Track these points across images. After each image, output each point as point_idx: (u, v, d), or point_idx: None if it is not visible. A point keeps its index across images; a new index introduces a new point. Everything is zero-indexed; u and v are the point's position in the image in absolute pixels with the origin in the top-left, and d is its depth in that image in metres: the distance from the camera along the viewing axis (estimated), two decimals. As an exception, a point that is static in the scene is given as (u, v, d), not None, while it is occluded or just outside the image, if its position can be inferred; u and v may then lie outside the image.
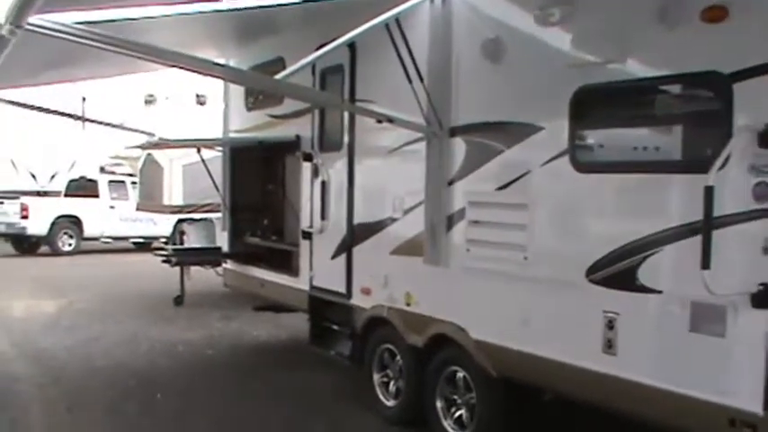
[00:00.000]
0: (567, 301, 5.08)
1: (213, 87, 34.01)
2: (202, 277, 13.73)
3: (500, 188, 5.57)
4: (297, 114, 8.27)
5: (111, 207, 22.17)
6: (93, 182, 22.38)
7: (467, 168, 5.89)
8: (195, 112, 32.22)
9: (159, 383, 8.21)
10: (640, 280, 4.59)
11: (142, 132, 9.73)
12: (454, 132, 6.00)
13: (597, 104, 5.04)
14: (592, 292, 4.86)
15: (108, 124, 9.99)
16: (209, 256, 10.83)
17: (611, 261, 4.74)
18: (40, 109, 9.49)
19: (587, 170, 4.96)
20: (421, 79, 5.98)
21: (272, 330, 11.08)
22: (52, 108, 9.70)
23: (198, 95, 36.50)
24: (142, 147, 10.64)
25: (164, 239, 22.58)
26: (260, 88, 6.23)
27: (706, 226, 3.99)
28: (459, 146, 5.95)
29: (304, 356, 9.07)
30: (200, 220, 13.25)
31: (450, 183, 6.02)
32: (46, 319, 11.94)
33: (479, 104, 5.83)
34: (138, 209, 15.45)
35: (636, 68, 4.69)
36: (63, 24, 4.19)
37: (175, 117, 26.96)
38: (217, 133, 10.38)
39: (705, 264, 3.97)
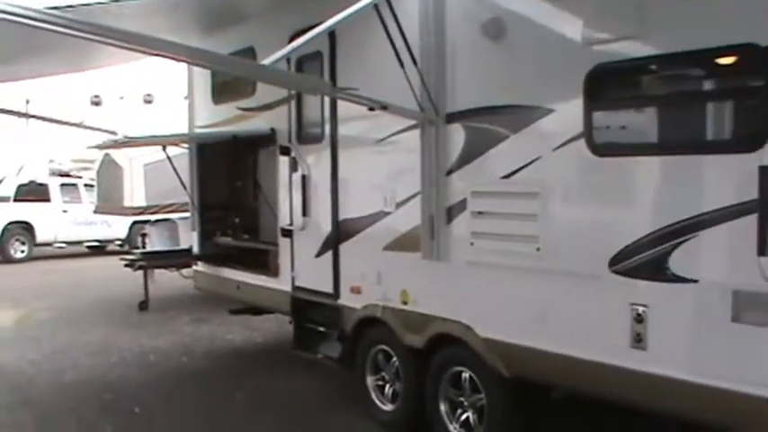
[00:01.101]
0: (587, 294, 4.75)
1: (160, 86, 33.54)
2: (165, 280, 13.24)
3: (506, 176, 5.21)
4: (271, 106, 7.83)
5: (64, 211, 21.38)
6: (44, 185, 21.56)
7: (467, 157, 5.52)
8: (143, 112, 31.54)
9: (135, 397, 7.72)
10: (672, 269, 4.27)
11: (104, 131, 9.16)
12: (451, 119, 5.63)
13: (617, 83, 4.73)
14: (616, 283, 4.53)
15: (68, 123, 9.39)
16: (178, 259, 10.30)
17: (638, 250, 4.42)
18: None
19: (607, 153, 4.62)
20: (414, 63, 5.57)
21: (245, 333, 10.62)
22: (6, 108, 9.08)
23: (146, 95, 35.76)
24: (103, 146, 10.07)
25: (119, 242, 21.98)
26: (251, 78, 5.76)
27: (763, 209, 3.66)
28: (458, 133, 5.58)
29: (283, 360, 8.70)
30: (162, 220, 12.66)
31: (449, 173, 5.65)
32: (5, 332, 11.33)
33: (479, 88, 5.46)
34: (96, 212, 14.76)
35: (662, 43, 4.35)
36: (35, 10, 3.70)
37: (123, 117, 26.25)
38: (166, 131, 9.90)
39: (762, 250, 3.65)
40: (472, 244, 5.48)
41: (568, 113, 4.79)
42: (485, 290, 5.44)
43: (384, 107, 5.45)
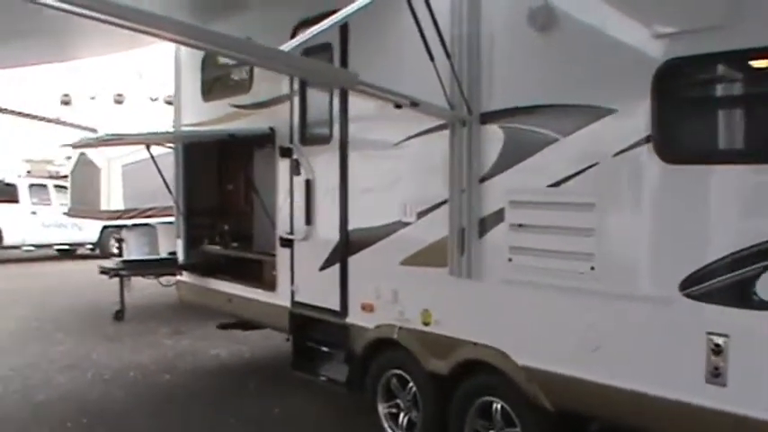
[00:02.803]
0: (653, 320, 4.15)
1: (131, 86, 32.62)
2: (140, 286, 12.49)
3: (554, 185, 4.60)
4: (270, 103, 7.17)
5: (33, 213, 20.44)
6: (12, 186, 20.61)
7: (506, 162, 4.90)
8: (114, 112, 30.61)
9: (116, 421, 7.03)
10: (760, 294, 3.69)
11: (84, 128, 8.42)
12: (486, 119, 5.01)
13: (695, 81, 4.14)
14: (689, 309, 3.95)
15: (45, 119, 8.64)
16: (164, 268, 9.55)
17: (717, 272, 3.85)
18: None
19: (680, 160, 4.04)
20: (448, 56, 4.93)
21: (231, 347, 9.90)
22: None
23: (117, 95, 34.79)
24: (80, 145, 9.32)
25: (90, 246, 21.14)
26: (268, 67, 5.02)
27: None
28: (495, 135, 4.96)
29: (277, 379, 8.07)
30: (140, 225, 11.89)
31: (483, 179, 5.03)
32: (-31, 344, 10.47)
33: (522, 84, 4.85)
34: (69, 215, 13.90)
35: (754, 34, 3.74)
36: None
37: (94, 117, 25.29)
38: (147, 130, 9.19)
39: None
40: (510, 260, 4.85)
41: (633, 114, 4.21)
42: (525, 312, 4.82)
43: (415, 104, 4.80)
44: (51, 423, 6.94)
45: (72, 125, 8.84)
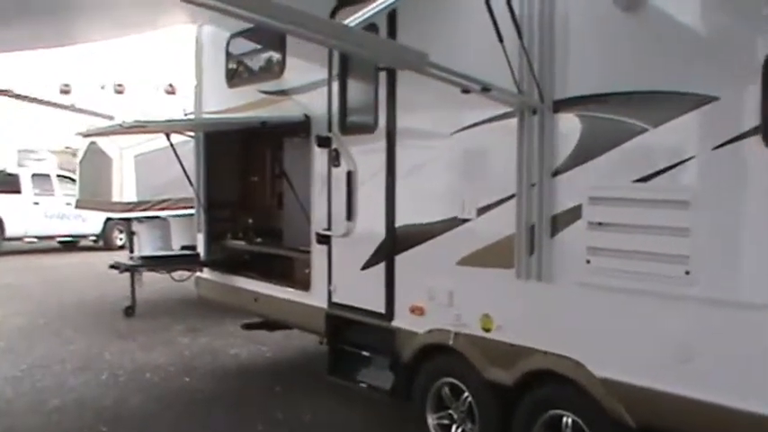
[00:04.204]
0: (757, 329, 3.70)
1: (132, 75, 32.14)
2: (150, 281, 11.99)
3: (642, 180, 4.15)
4: (305, 89, 6.71)
5: (36, 203, 19.94)
6: (15, 176, 20.10)
7: (584, 154, 4.45)
8: (115, 102, 30.07)
9: (138, 429, 6.57)
10: None
11: (100, 116, 7.94)
12: (561, 106, 4.56)
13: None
14: (807, 319, 3.49)
15: (58, 106, 8.15)
16: (185, 264, 9.07)
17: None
18: None
19: (796, 153, 3.57)
20: (520, 36, 4.47)
21: (250, 347, 9.45)
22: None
23: (117, 84, 34.29)
24: (92, 133, 8.88)
25: (93, 237, 20.71)
26: (325, 43, 4.51)
27: None
28: (570, 124, 4.51)
29: (304, 382, 7.69)
30: (152, 218, 11.40)
31: (556, 173, 4.57)
32: (-26, 341, 10.00)
33: (604, 69, 4.40)
34: (78, 207, 13.39)
35: None
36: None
37: (96, 106, 24.84)
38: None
39: None
40: (588, 262, 4.41)
41: (738, 103, 3.78)
42: (604, 319, 4.37)
43: (487, 89, 4.34)
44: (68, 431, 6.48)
45: (89, 112, 8.36)
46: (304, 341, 9.23)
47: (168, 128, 7.81)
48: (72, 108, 8.61)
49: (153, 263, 9.46)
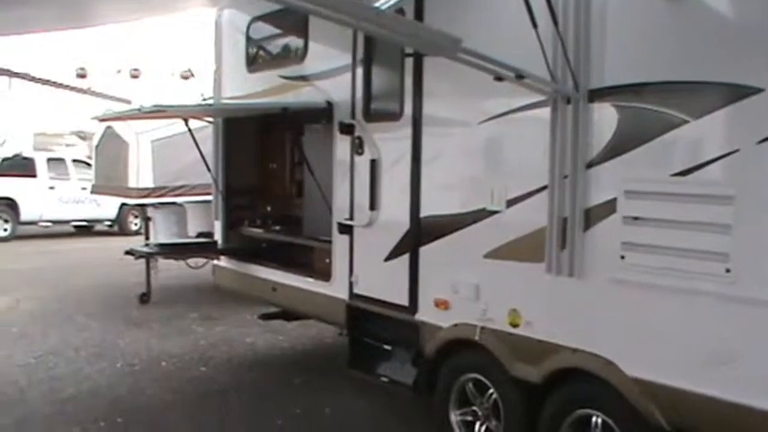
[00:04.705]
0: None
1: (147, 60, 31.98)
2: (164, 268, 11.87)
3: (681, 173, 3.99)
4: (327, 74, 6.56)
5: (51, 188, 19.91)
6: (30, 160, 20.05)
7: (620, 145, 4.28)
8: (130, 87, 29.96)
9: (152, 420, 6.47)
10: None
11: (118, 100, 7.82)
12: (596, 96, 4.39)
13: None
14: None
15: (77, 90, 8.04)
16: (203, 252, 8.94)
17: None
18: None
19: None
20: (555, 22, 4.30)
21: (267, 337, 9.34)
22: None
23: (133, 69, 34.13)
24: (108, 117, 8.75)
25: (108, 222, 20.67)
26: (349, 24, 4.35)
27: None
28: (606, 114, 4.34)
29: (321, 373, 7.59)
30: (168, 204, 11.28)
31: (590, 165, 4.41)
32: (-12, 326, 9.92)
33: (642, 58, 4.22)
34: (94, 192, 13.28)
35: None
36: None
37: (112, 90, 24.71)
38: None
39: None
40: (623, 257, 4.25)
41: (786, 95, 3.58)
42: (638, 317, 4.22)
43: (521, 77, 4.18)
44: (83, 421, 6.37)
45: (106, 96, 8.24)
46: (321, 331, 9.13)
47: (188, 113, 7.68)
48: (89, 92, 8.52)
49: (169, 250, 9.31)
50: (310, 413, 6.57)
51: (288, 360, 8.43)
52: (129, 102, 7.83)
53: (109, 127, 11.49)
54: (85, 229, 21.24)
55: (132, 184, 10.96)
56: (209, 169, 8.12)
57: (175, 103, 8.54)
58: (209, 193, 9.04)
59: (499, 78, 4.25)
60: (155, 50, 30.99)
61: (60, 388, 7.26)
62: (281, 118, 7.11)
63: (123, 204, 19.46)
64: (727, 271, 3.80)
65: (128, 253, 10.98)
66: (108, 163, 11.82)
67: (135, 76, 34.53)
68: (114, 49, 29.62)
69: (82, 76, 31.68)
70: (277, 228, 8.05)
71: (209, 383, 7.49)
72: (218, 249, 8.14)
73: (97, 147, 12.39)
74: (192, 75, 29.30)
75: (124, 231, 20.64)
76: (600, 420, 4.49)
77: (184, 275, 12.27)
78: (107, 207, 19.68)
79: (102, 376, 7.70)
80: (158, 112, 6.73)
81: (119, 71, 30.34)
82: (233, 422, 6.43)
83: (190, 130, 7.73)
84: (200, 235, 10.86)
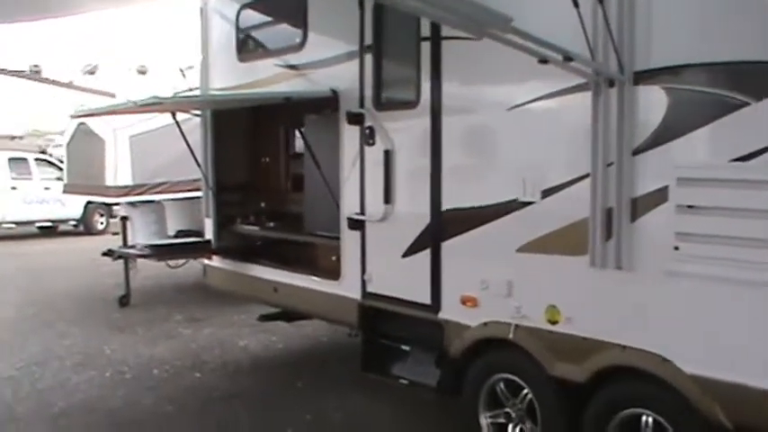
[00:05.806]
0: None
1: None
2: (141, 267, 11.46)
3: (741, 158, 3.76)
4: (331, 61, 6.22)
5: (13, 188, 19.24)
6: (-10, 160, 19.39)
7: (671, 131, 4.04)
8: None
9: (152, 433, 6.11)
10: None
11: (99, 93, 7.39)
12: (642, 78, 4.14)
13: None
14: None
15: (58, 84, 7.57)
16: (197, 252, 8.55)
17: None
18: None
19: None
20: (600, 1, 4.03)
21: (260, 337, 8.99)
22: None
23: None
24: (93, 113, 8.31)
25: (73, 222, 20.08)
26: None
27: None
28: (654, 97, 4.10)
29: (324, 375, 7.33)
30: (146, 202, 10.84)
31: (637, 151, 4.16)
32: (-37, 336, 9.42)
33: (696, 36, 3.98)
34: (66, 192, 12.73)
35: None
36: None
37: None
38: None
39: None
40: (677, 248, 4.01)
41: None
42: (696, 311, 3.99)
43: (569, 59, 3.91)
44: (80, 439, 6.00)
45: (90, 91, 7.79)
46: (315, 329, 8.83)
47: (188, 105, 7.28)
48: (71, 86, 8.08)
49: (160, 252, 8.88)
50: (321, 419, 6.25)
51: (285, 362, 8.10)
52: (113, 95, 7.38)
53: (81, 123, 11.01)
54: (50, 230, 20.60)
55: (110, 182, 10.50)
56: (198, 164, 7.73)
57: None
58: (190, 190, 8.65)
59: (544, 61, 3.97)
60: (111, 46, 30.28)
61: (50, 402, 6.82)
62: (275, 109, 6.77)
63: (89, 203, 18.93)
64: (794, 261, 3.59)
65: (105, 254, 10.54)
66: (81, 161, 11.32)
67: (91, 72, 33.67)
68: (71, 45, 28.85)
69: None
70: (272, 224, 7.70)
71: (209, 391, 7.12)
72: (212, 249, 7.75)
73: (69, 144, 11.88)
74: (147, 70, 28.62)
75: (90, 231, 20.12)
76: (651, 420, 4.26)
77: (162, 275, 11.91)
78: (72, 207, 19.10)
79: (93, 387, 7.29)
80: (156, 104, 6.32)
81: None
82: (233, 429, 6.09)
83: (177, 123, 7.32)
84: (180, 233, 10.48)
